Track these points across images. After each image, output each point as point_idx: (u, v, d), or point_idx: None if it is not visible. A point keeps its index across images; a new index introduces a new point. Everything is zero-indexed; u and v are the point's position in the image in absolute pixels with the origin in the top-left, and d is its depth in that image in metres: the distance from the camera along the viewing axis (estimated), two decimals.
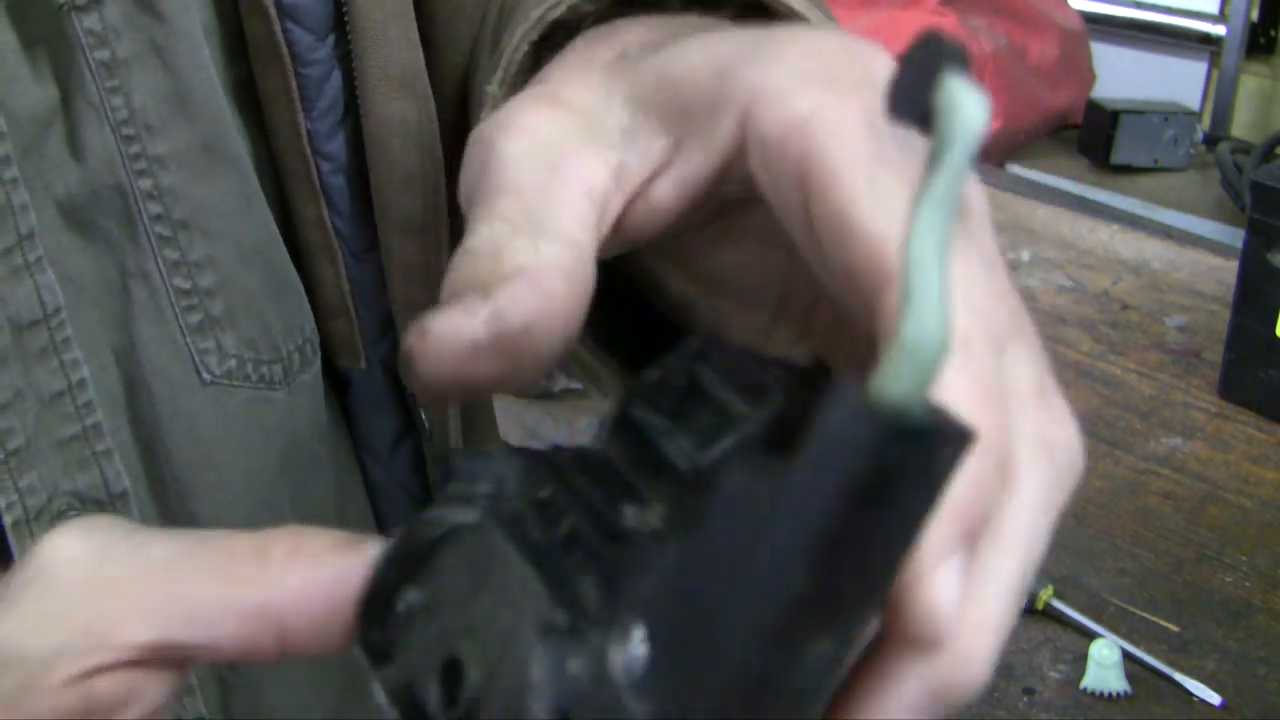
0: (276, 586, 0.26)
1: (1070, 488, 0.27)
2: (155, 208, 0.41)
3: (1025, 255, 1.42)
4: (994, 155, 1.98)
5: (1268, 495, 1.01)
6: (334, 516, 0.49)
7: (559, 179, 0.29)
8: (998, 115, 1.96)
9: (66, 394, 0.40)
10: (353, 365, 0.48)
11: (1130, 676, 0.81)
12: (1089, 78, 2.14)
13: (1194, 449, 1.07)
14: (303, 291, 0.46)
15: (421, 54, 0.44)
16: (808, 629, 0.21)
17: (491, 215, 0.29)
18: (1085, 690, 0.81)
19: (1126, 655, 0.82)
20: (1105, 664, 0.81)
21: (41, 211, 0.39)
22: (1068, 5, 2.16)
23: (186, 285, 0.43)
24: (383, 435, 0.50)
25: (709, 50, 0.29)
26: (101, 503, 0.42)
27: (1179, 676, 0.81)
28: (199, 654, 0.27)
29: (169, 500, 0.44)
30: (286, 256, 0.45)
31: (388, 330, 0.48)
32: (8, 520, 0.39)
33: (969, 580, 0.24)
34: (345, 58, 0.43)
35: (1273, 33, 2.26)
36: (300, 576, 0.26)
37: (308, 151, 0.44)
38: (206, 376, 0.43)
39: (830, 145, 0.27)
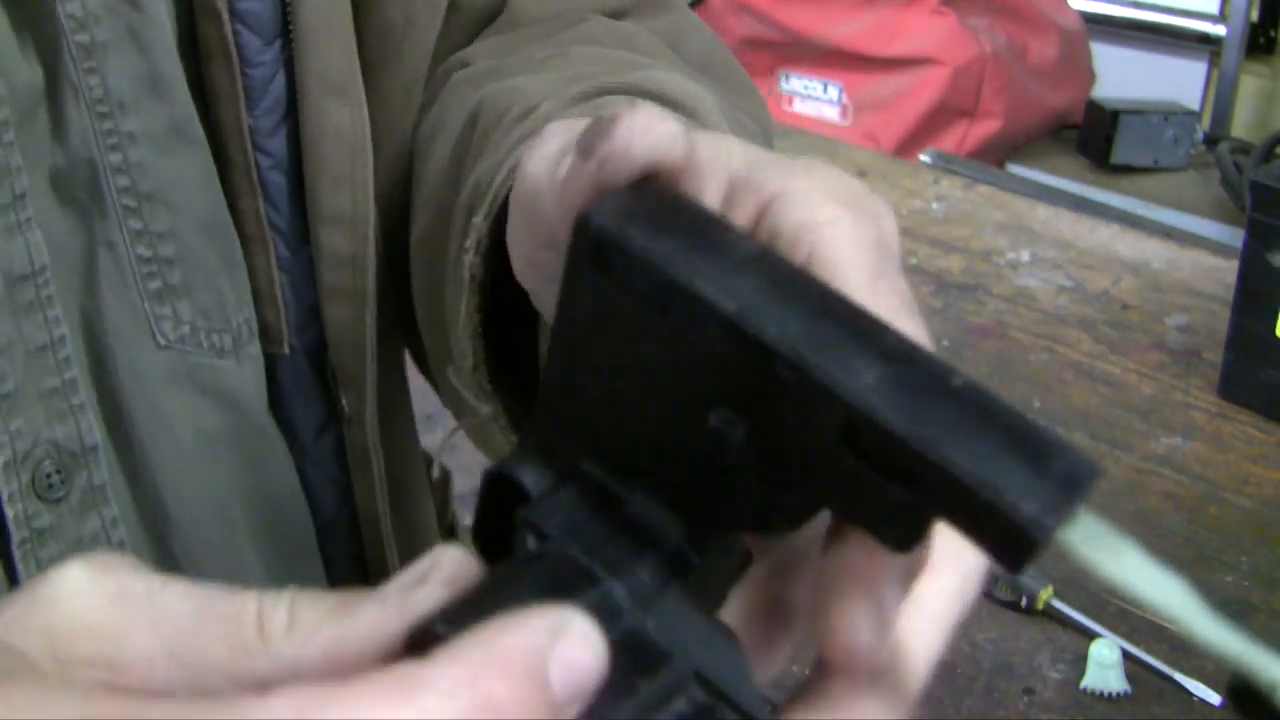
0: (274, 660, 0.27)
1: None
2: (123, 180, 0.45)
3: (1025, 255, 1.42)
4: (994, 155, 1.98)
5: (1268, 495, 1.01)
6: (286, 486, 0.52)
7: None
8: (998, 115, 1.96)
9: (49, 348, 0.43)
10: (278, 350, 0.51)
11: (1130, 676, 0.81)
12: (1089, 78, 2.15)
13: (1194, 449, 1.07)
14: (247, 271, 0.49)
15: (358, 63, 0.48)
16: None
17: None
18: (1085, 690, 0.81)
19: (1126, 655, 0.82)
20: (1105, 664, 0.81)
21: (32, 178, 0.42)
22: (1068, 5, 2.16)
23: (148, 254, 0.46)
24: (305, 421, 0.52)
25: (741, 145, 0.33)
26: (75, 454, 0.44)
27: (1179, 676, 0.81)
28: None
29: (131, 458, 0.47)
30: (237, 236, 0.49)
31: (313, 320, 0.51)
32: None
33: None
34: (289, 62, 0.47)
35: (1273, 33, 2.26)
36: (295, 649, 0.27)
37: (249, 147, 0.47)
38: (162, 340, 0.46)
39: (843, 248, 0.30)
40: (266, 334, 0.50)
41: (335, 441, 0.53)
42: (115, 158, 0.45)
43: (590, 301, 0.28)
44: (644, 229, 0.27)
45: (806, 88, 2.10)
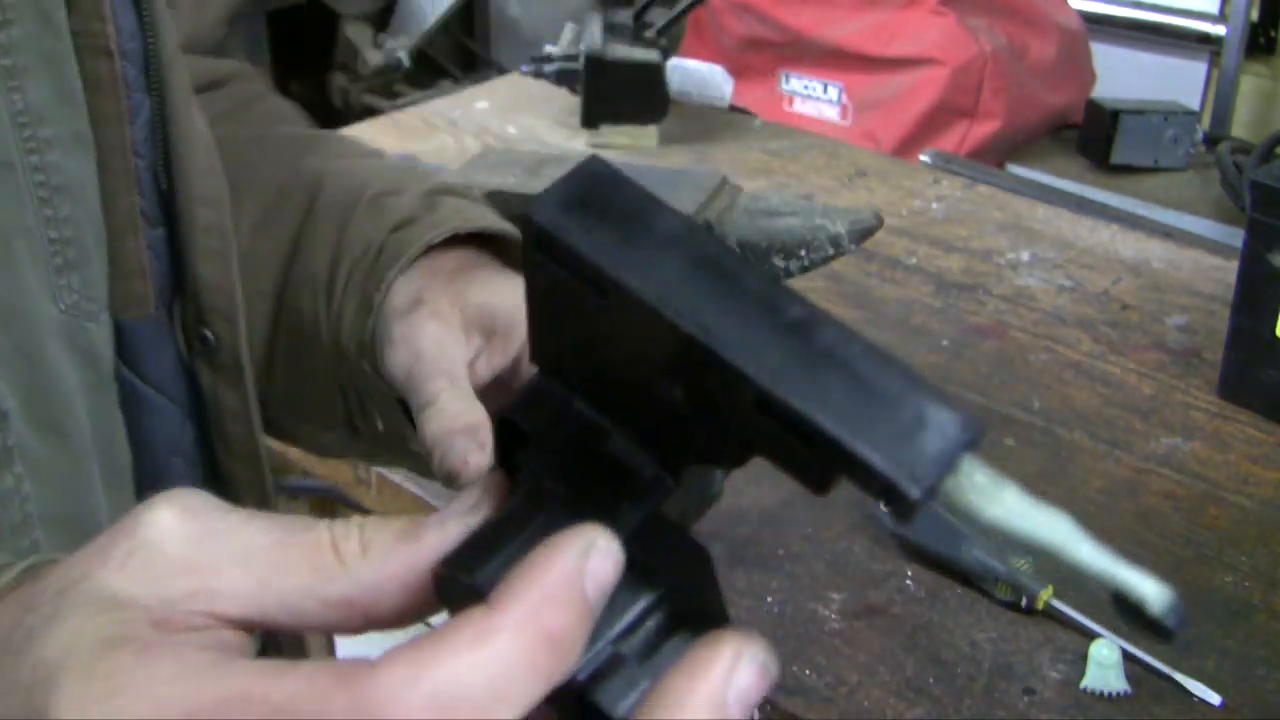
0: (354, 581, 0.32)
1: None
2: (39, 177, 0.55)
3: (1025, 255, 1.42)
4: (994, 155, 1.98)
5: (1268, 495, 1.01)
6: (136, 426, 0.62)
7: (455, 361, 0.60)
8: (998, 115, 1.96)
9: None
10: (141, 315, 0.62)
11: (1130, 676, 0.81)
12: (1089, 78, 2.14)
13: (1194, 449, 1.07)
14: (116, 253, 0.60)
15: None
16: None
17: (440, 389, 0.58)
18: (1085, 690, 0.81)
19: (1126, 655, 0.82)
20: (1105, 664, 0.81)
21: None
22: (1068, 5, 2.16)
23: (55, 235, 0.56)
24: (163, 371, 0.63)
25: (511, 291, 0.62)
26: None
27: (1179, 676, 0.81)
28: (288, 631, 0.33)
29: (39, 414, 0.54)
30: (105, 226, 0.60)
31: (167, 286, 0.63)
32: None
33: None
34: (155, 87, 0.60)
35: (1273, 33, 2.26)
36: (373, 571, 0.32)
37: (130, 154, 0.59)
38: (62, 306, 0.56)
39: None
40: (130, 303, 0.61)
41: (186, 382, 0.65)
42: (34, 159, 0.54)
43: (545, 280, 0.33)
44: (579, 220, 0.31)
45: (806, 88, 2.10)
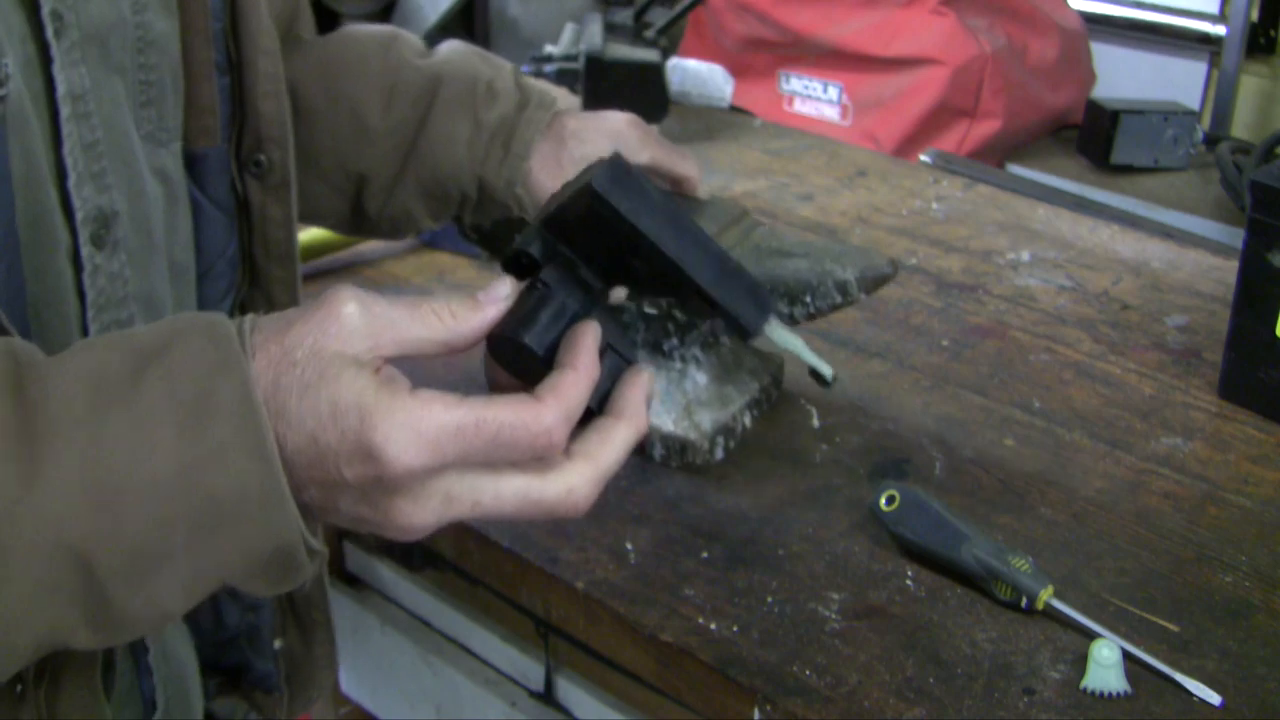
0: (450, 332, 0.57)
1: None
2: (139, 32, 0.71)
3: (1025, 255, 1.42)
4: (994, 155, 1.98)
5: (1268, 495, 1.01)
6: (196, 233, 0.81)
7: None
8: (998, 115, 1.96)
9: (94, 144, 0.67)
10: (211, 144, 0.79)
11: (1130, 676, 0.81)
12: (1089, 78, 2.15)
13: (1194, 449, 1.07)
14: (192, 97, 0.78)
15: None
16: None
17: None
18: (1085, 690, 0.81)
19: (1126, 655, 0.82)
20: (1105, 664, 0.81)
21: (82, 31, 0.66)
22: (1068, 5, 2.16)
23: (143, 78, 0.72)
24: (220, 190, 0.81)
25: (597, 149, 0.98)
26: (110, 215, 0.68)
27: (1179, 676, 0.81)
28: (415, 357, 0.57)
29: (135, 218, 0.71)
30: (184, 73, 0.77)
31: (227, 124, 0.80)
32: None
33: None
34: None
35: (1273, 33, 2.26)
36: (460, 327, 0.58)
37: (209, 15, 0.76)
38: (141, 133, 0.72)
39: (633, 140, 1.01)
40: (205, 133, 0.78)
41: (235, 200, 0.82)
42: (137, 18, 0.70)
43: (584, 210, 0.59)
44: (619, 191, 0.58)
45: (806, 88, 2.10)
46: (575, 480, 0.57)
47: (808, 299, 0.99)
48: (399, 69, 0.99)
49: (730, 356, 1.07)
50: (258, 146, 0.81)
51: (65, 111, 0.64)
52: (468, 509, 0.56)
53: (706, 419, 1.02)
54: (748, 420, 1.06)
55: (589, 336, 0.58)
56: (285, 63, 0.83)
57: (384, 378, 0.54)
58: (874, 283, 1.00)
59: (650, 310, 1.01)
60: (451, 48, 1.03)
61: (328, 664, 0.99)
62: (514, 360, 0.60)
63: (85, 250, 0.67)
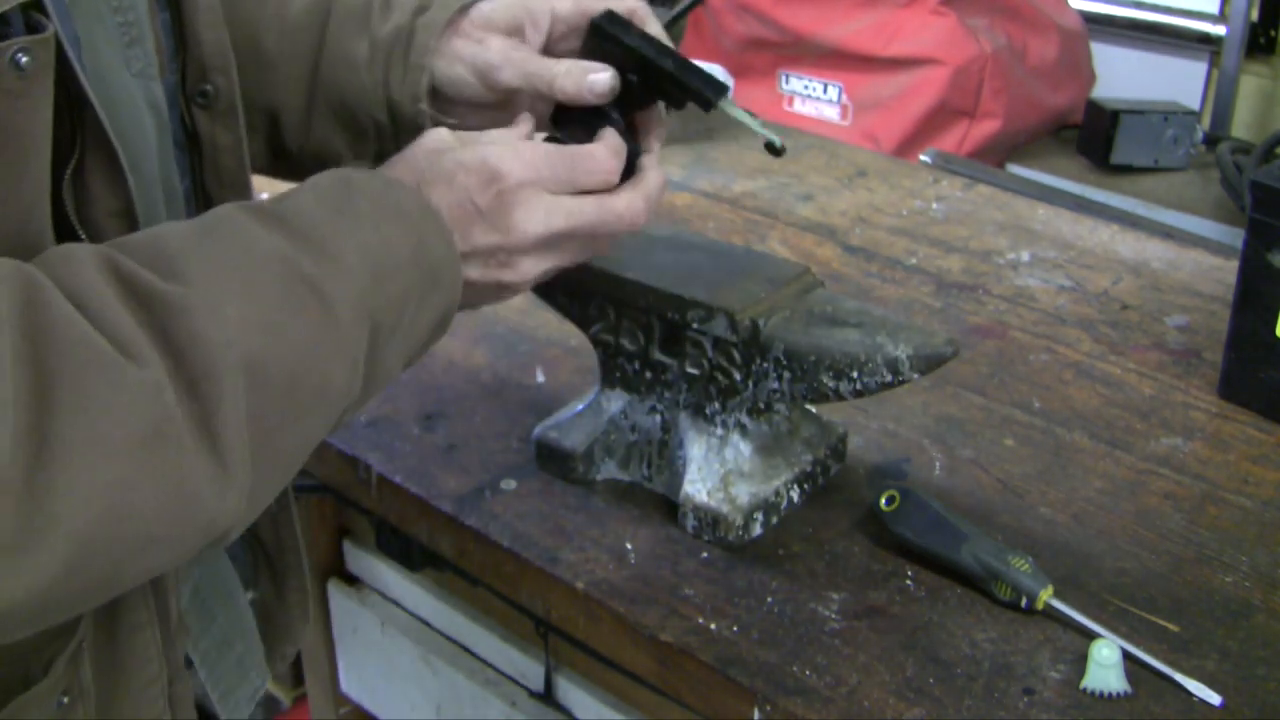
0: (502, 134, 0.81)
1: None
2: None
3: (1025, 255, 1.42)
4: (994, 155, 1.98)
5: (1268, 495, 1.01)
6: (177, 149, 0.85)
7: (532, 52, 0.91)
8: (998, 115, 1.96)
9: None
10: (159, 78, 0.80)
11: (1130, 676, 0.81)
12: (1089, 78, 2.14)
13: (1194, 449, 1.07)
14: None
15: None
16: None
17: (551, 64, 0.87)
18: (1085, 690, 0.81)
19: (1126, 655, 0.82)
20: (1105, 664, 0.81)
21: None
22: (1068, 5, 2.15)
23: (120, 20, 0.74)
24: (172, 123, 0.80)
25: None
26: None
27: (1179, 676, 0.81)
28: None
29: (131, 146, 0.72)
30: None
31: (177, 54, 0.81)
32: None
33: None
34: None
35: (1273, 33, 2.26)
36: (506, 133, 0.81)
37: None
38: (133, 72, 0.74)
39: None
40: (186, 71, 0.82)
41: (185, 132, 0.83)
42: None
43: (593, 45, 0.85)
44: (616, 26, 0.84)
45: (806, 88, 2.10)
46: (632, 195, 0.80)
47: (854, 374, 0.88)
48: None
49: (785, 425, 0.99)
50: (203, 76, 0.81)
51: (72, 55, 0.66)
52: (563, 219, 0.77)
53: (744, 492, 0.95)
54: (795, 496, 0.98)
55: (614, 134, 0.82)
56: None
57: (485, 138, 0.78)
58: (930, 363, 0.88)
59: (692, 370, 0.95)
60: None
61: (301, 613, 0.98)
62: (574, 135, 0.84)
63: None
